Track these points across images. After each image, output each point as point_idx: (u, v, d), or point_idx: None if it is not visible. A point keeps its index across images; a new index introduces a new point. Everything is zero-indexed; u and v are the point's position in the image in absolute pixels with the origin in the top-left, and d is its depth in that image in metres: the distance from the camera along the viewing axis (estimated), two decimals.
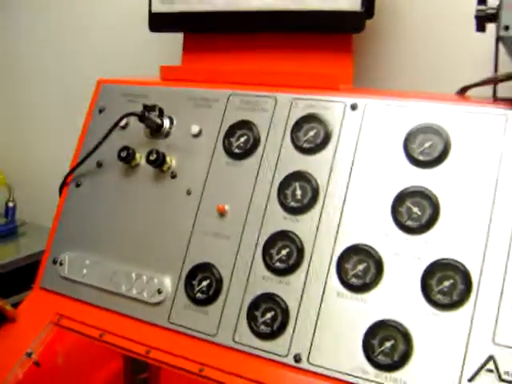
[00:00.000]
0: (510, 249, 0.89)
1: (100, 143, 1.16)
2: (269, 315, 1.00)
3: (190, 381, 1.16)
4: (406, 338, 0.91)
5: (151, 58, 1.42)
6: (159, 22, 1.28)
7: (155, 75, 1.28)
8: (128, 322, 1.10)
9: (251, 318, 1.01)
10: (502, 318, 0.87)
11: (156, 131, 1.17)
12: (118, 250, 1.15)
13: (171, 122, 1.17)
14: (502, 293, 0.88)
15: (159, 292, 1.09)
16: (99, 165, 1.21)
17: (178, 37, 1.32)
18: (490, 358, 0.86)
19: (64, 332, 1.16)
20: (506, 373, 0.85)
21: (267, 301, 1.01)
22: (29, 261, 1.69)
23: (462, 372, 0.87)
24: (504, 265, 0.89)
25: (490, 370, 0.86)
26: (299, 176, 1.05)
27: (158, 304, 1.09)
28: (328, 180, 1.03)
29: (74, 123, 1.30)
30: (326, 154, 1.04)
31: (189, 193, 1.12)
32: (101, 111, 1.25)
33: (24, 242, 1.88)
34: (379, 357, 0.92)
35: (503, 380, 0.85)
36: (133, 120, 1.19)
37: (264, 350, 0.99)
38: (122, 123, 1.19)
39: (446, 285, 0.91)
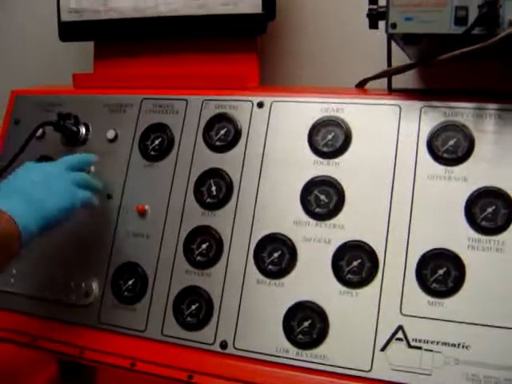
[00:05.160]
0: (409, 227, 0.97)
1: (18, 154, 1.16)
2: (194, 307, 1.05)
3: (126, 379, 1.21)
4: (322, 316, 0.98)
5: (64, 67, 1.43)
6: (69, 32, 1.30)
7: (68, 84, 1.30)
8: (59, 327, 1.13)
9: (177, 311, 1.06)
10: (406, 291, 0.95)
11: (72, 139, 1.19)
12: (43, 258, 1.16)
13: (87, 129, 1.20)
14: (405, 268, 0.96)
15: (87, 295, 1.12)
16: None
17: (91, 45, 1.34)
18: (399, 327, 0.94)
19: None
20: (414, 340, 0.93)
21: (191, 293, 1.06)
22: None
23: (374, 343, 0.95)
24: (405, 242, 0.97)
25: (400, 339, 0.94)
26: (213, 173, 1.10)
27: (86, 306, 1.12)
28: (241, 175, 1.08)
29: None
30: (238, 150, 1.10)
31: (109, 197, 1.15)
32: (16, 122, 1.26)
33: None
34: (299, 336, 0.98)
35: (412, 346, 0.93)
36: (49, 129, 1.20)
37: (192, 340, 1.04)
38: (39, 133, 1.20)
39: (355, 264, 0.98)
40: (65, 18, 1.28)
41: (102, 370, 1.36)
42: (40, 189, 1.00)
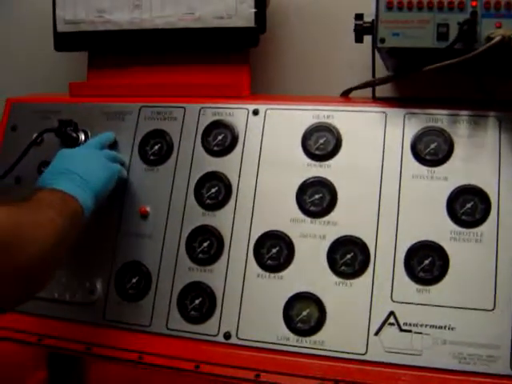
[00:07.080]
0: (397, 222, 1.07)
1: (20, 159, 1.20)
2: (197, 301, 1.11)
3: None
4: (320, 305, 1.06)
5: (58, 76, 1.47)
6: (64, 42, 1.33)
7: (64, 92, 1.34)
8: (65, 325, 1.16)
9: (181, 306, 1.12)
10: (396, 280, 1.05)
11: (72, 145, 1.22)
12: None
13: (86, 135, 1.24)
14: (394, 259, 1.05)
15: (91, 293, 1.17)
16: (18, 180, 1.25)
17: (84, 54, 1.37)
18: (391, 313, 1.03)
19: None
20: (405, 324, 1.02)
21: (194, 289, 1.12)
22: None
23: (368, 328, 1.03)
24: (394, 236, 1.06)
25: (392, 324, 1.03)
26: (212, 176, 1.17)
27: (91, 304, 1.16)
28: (239, 177, 1.16)
29: None
30: (235, 154, 1.17)
31: (110, 199, 1.20)
32: (14, 129, 1.29)
33: None
34: (298, 325, 1.06)
35: (403, 330, 1.02)
36: (47, 135, 1.24)
37: (196, 333, 1.10)
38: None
39: (348, 257, 1.07)
40: (61, 28, 1.31)
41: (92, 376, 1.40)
42: (84, 168, 1.08)
